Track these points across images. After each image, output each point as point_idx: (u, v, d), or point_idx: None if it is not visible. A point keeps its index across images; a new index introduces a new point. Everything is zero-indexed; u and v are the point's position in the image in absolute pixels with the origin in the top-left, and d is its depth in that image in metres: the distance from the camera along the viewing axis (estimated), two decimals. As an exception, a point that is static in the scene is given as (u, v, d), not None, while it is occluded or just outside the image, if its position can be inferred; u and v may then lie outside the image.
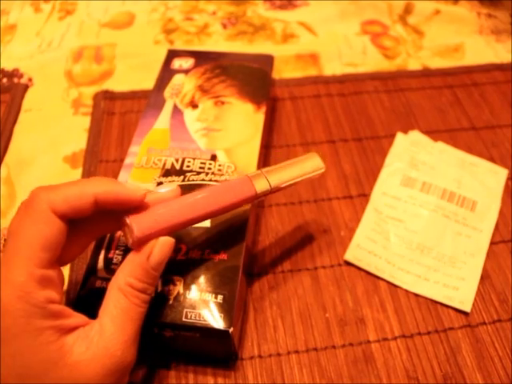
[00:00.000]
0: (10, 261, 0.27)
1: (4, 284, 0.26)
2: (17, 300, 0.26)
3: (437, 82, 0.58)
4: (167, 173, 0.41)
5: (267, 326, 0.39)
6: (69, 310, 0.28)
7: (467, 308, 0.40)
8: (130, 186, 0.31)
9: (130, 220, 0.30)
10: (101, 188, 0.30)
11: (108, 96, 0.56)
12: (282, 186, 0.36)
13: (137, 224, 0.30)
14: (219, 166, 0.41)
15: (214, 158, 0.42)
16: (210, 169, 0.41)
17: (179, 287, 0.35)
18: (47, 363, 0.26)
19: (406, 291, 0.41)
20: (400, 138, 0.51)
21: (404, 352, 0.38)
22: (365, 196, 0.47)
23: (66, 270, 0.42)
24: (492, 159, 0.50)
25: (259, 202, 0.46)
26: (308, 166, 0.38)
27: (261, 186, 0.35)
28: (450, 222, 0.44)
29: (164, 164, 0.41)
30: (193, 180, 0.40)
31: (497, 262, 0.43)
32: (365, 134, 0.52)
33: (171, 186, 0.33)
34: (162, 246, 0.31)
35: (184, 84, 0.48)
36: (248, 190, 0.35)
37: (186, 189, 0.39)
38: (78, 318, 0.29)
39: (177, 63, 0.50)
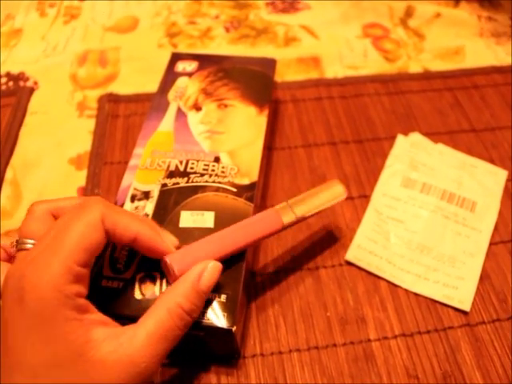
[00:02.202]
0: (55, 251, 0.28)
1: (45, 272, 0.27)
2: (52, 288, 0.27)
3: (437, 85, 0.58)
4: (171, 174, 0.41)
5: (269, 325, 0.40)
6: (92, 307, 0.29)
7: (467, 307, 0.41)
8: (168, 239, 0.34)
9: (170, 260, 0.33)
10: (143, 231, 0.32)
11: (112, 99, 0.56)
12: (307, 215, 0.39)
13: (177, 265, 0.33)
14: (222, 167, 0.42)
15: (217, 160, 0.42)
16: (213, 171, 0.42)
17: (183, 286, 0.36)
18: (73, 354, 0.27)
19: (406, 291, 0.42)
20: (400, 139, 0.52)
21: (404, 350, 0.39)
22: (365, 197, 0.48)
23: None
24: (492, 161, 0.51)
25: (262, 202, 0.46)
26: (330, 194, 0.40)
27: (288, 217, 0.38)
28: (450, 222, 0.45)
29: (168, 166, 0.42)
30: (196, 182, 0.41)
31: (496, 262, 0.44)
32: (366, 136, 0.53)
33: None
34: (213, 270, 0.32)
35: (187, 87, 0.49)
36: (276, 223, 0.37)
37: (191, 190, 0.40)
38: (100, 315, 0.30)
39: (180, 66, 0.51)
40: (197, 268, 0.32)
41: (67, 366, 0.27)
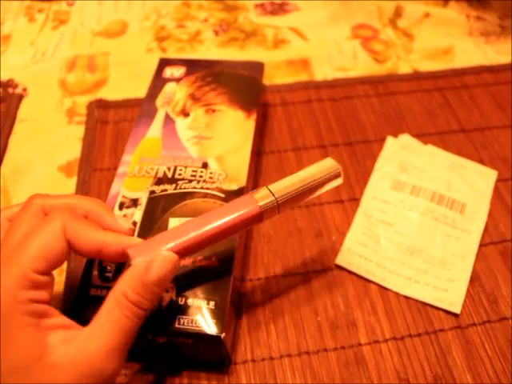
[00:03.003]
0: (12, 258, 0.28)
1: (1, 279, 0.27)
2: (6, 294, 0.27)
3: (427, 85, 0.58)
4: (159, 181, 0.41)
5: (260, 331, 0.40)
6: (54, 311, 0.29)
7: (457, 309, 0.41)
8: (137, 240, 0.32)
9: (131, 252, 0.31)
10: (110, 240, 0.31)
11: (101, 105, 0.56)
12: (290, 195, 0.34)
13: (133, 250, 0.31)
14: (210, 173, 0.42)
15: (205, 165, 0.42)
16: (201, 176, 0.42)
17: (172, 294, 0.35)
18: (29, 360, 0.27)
19: (397, 294, 0.42)
20: (390, 141, 0.52)
21: (395, 354, 0.39)
22: (355, 200, 0.48)
23: (61, 278, 0.42)
24: (481, 161, 0.51)
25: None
26: (319, 170, 0.36)
27: (265, 200, 0.34)
28: (440, 224, 0.45)
29: (156, 172, 0.42)
30: (185, 188, 0.41)
31: (486, 264, 0.44)
32: (355, 139, 0.53)
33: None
34: (163, 261, 0.30)
35: (175, 92, 0.49)
36: (251, 208, 0.33)
37: (179, 196, 0.40)
38: (61, 319, 0.29)
39: (168, 72, 0.51)
40: (145, 258, 0.30)
41: (22, 372, 0.27)
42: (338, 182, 0.36)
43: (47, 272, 0.29)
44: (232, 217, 0.33)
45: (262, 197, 0.34)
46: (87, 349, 0.28)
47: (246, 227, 0.34)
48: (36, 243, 0.29)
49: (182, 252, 0.32)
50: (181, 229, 0.33)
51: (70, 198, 0.33)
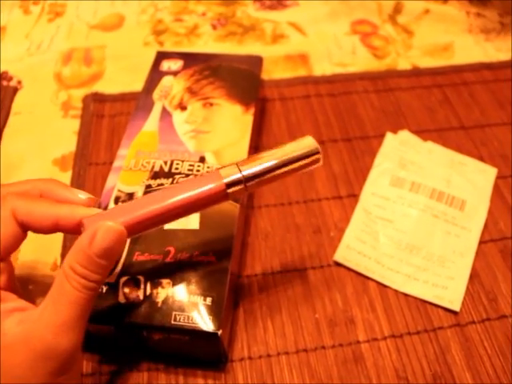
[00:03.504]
0: None
1: None
2: None
3: (426, 82, 0.58)
4: (156, 175, 0.41)
5: (257, 328, 0.39)
6: (10, 295, 0.29)
7: (456, 307, 0.40)
8: (95, 210, 0.31)
9: (86, 221, 0.30)
10: (64, 211, 0.31)
11: (97, 98, 0.55)
12: (259, 171, 0.32)
13: (90, 220, 0.30)
14: (208, 167, 0.41)
15: (202, 159, 0.42)
16: (198, 171, 0.41)
17: (168, 290, 0.35)
18: None
19: (396, 291, 0.41)
20: (389, 137, 0.51)
21: (394, 352, 0.38)
22: (354, 196, 0.47)
23: (55, 273, 0.42)
24: (481, 158, 0.50)
25: (249, 202, 0.46)
26: (296, 149, 0.33)
27: (230, 174, 0.31)
28: (439, 221, 0.44)
29: (152, 166, 0.41)
30: (181, 182, 0.40)
31: (486, 261, 0.43)
32: (354, 134, 0.52)
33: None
34: (106, 232, 0.28)
35: (173, 86, 0.48)
36: (215, 182, 0.31)
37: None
38: (18, 302, 0.29)
39: (165, 65, 0.50)
40: (89, 230, 0.29)
41: None
42: (317, 163, 0.33)
43: (1, 257, 0.29)
44: (194, 192, 0.31)
45: (229, 173, 0.31)
46: (39, 324, 0.27)
47: (210, 205, 0.32)
48: None
49: (138, 226, 0.30)
50: (140, 202, 0.31)
51: (23, 183, 0.33)
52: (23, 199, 0.30)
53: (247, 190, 0.32)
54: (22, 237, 0.31)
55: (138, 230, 0.31)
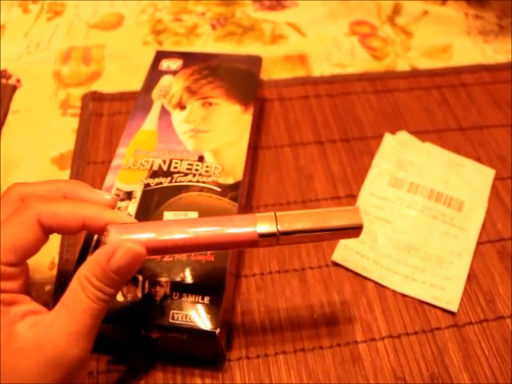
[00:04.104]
0: None
1: None
2: None
3: (425, 83, 0.58)
4: (154, 174, 0.41)
5: (255, 327, 0.39)
6: (24, 298, 0.29)
7: (454, 308, 0.40)
8: (121, 215, 0.32)
9: (110, 229, 0.30)
10: (91, 213, 0.31)
11: (96, 97, 0.55)
12: (295, 232, 0.31)
13: (115, 229, 0.30)
14: (207, 167, 0.41)
15: (201, 159, 0.42)
16: (197, 170, 0.41)
17: (166, 288, 0.35)
18: None
19: (394, 291, 0.41)
20: (388, 138, 0.51)
21: (391, 352, 0.38)
22: (352, 197, 0.47)
23: (53, 272, 0.42)
24: (479, 159, 0.50)
25: (247, 202, 0.46)
26: (340, 219, 0.31)
27: (265, 227, 0.30)
28: (437, 222, 0.44)
29: (151, 165, 0.41)
30: (180, 181, 0.40)
31: (483, 262, 0.43)
32: (353, 135, 0.52)
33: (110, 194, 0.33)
34: (126, 252, 0.29)
35: (172, 85, 0.48)
36: (249, 227, 0.30)
37: (174, 190, 0.40)
38: (32, 305, 0.29)
39: (165, 64, 0.50)
40: (109, 246, 0.29)
41: None
42: (355, 236, 0.32)
43: (17, 263, 0.29)
44: (224, 233, 0.30)
45: (265, 224, 0.31)
46: (52, 330, 0.27)
47: (237, 248, 0.32)
48: (5, 235, 0.29)
49: (160, 250, 0.31)
50: (169, 225, 0.31)
51: (45, 183, 0.33)
52: (47, 202, 0.30)
53: (278, 244, 0.31)
54: (44, 240, 0.31)
55: (159, 253, 0.32)
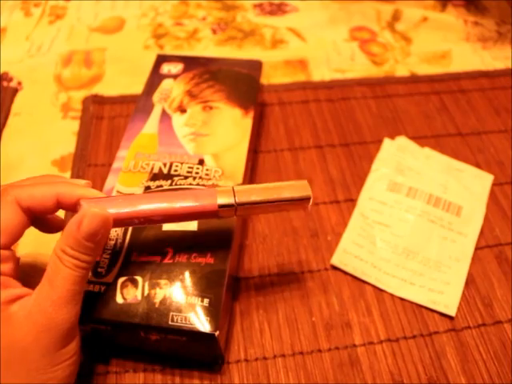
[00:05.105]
0: None
1: None
2: None
3: (424, 89, 0.58)
4: (155, 177, 0.41)
5: (254, 330, 0.39)
6: (16, 283, 0.31)
7: (452, 312, 0.40)
8: (93, 191, 0.34)
9: (83, 203, 0.32)
10: (63, 189, 0.33)
11: (97, 100, 0.56)
12: (251, 203, 0.34)
13: (86, 203, 0.32)
14: (207, 170, 0.41)
15: (201, 162, 0.42)
16: (197, 173, 0.41)
17: (165, 290, 0.35)
18: None
19: (392, 295, 0.42)
20: (387, 143, 0.51)
21: (389, 356, 0.38)
22: (352, 201, 0.47)
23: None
24: (478, 165, 0.51)
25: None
26: (292, 191, 0.35)
27: (225, 197, 0.34)
28: (436, 226, 0.45)
29: (152, 168, 0.42)
30: (180, 184, 0.40)
31: (481, 267, 0.43)
32: (352, 140, 0.52)
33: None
34: (92, 218, 0.31)
35: (173, 89, 0.48)
36: (210, 200, 0.34)
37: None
38: (23, 290, 0.31)
39: (166, 68, 0.51)
40: (77, 216, 0.31)
41: None
42: (305, 208, 0.35)
43: (6, 246, 0.31)
44: (187, 205, 0.33)
45: (224, 196, 0.34)
46: (39, 300, 0.29)
47: (199, 218, 0.35)
48: None
49: (127, 220, 0.33)
50: (136, 198, 0.34)
51: (21, 180, 0.35)
52: (23, 187, 0.33)
53: (235, 214, 0.34)
54: (27, 223, 0.33)
55: (126, 224, 0.34)
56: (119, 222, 0.33)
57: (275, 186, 0.35)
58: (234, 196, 0.34)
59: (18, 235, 0.32)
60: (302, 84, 0.58)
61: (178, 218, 0.34)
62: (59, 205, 0.33)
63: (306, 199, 0.35)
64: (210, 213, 0.34)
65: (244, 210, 0.34)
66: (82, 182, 0.35)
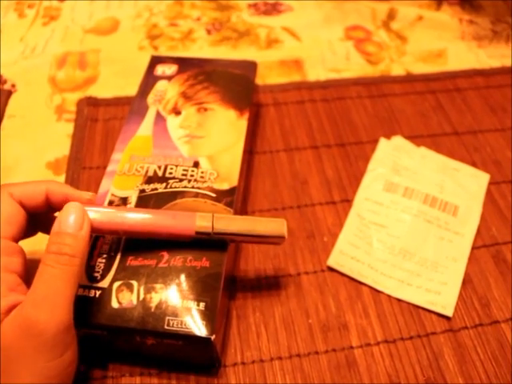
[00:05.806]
0: None
1: None
2: None
3: (420, 88, 0.58)
4: (149, 180, 0.41)
5: (250, 333, 0.39)
6: (23, 287, 0.32)
7: (449, 313, 0.40)
8: (79, 191, 0.36)
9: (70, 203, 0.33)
10: (52, 186, 0.35)
11: (91, 102, 0.55)
12: (226, 234, 0.36)
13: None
14: (202, 172, 0.41)
15: (196, 164, 0.42)
16: (192, 176, 0.41)
17: (161, 295, 0.35)
18: None
19: (389, 296, 0.41)
20: (383, 143, 0.51)
21: (387, 357, 0.38)
22: (348, 201, 0.47)
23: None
24: (474, 164, 0.51)
25: (242, 207, 0.46)
26: (267, 228, 0.37)
27: (202, 225, 0.36)
28: (433, 226, 0.45)
29: (146, 171, 0.41)
30: (175, 187, 0.40)
31: (478, 267, 0.43)
32: (348, 140, 0.52)
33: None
34: (67, 207, 0.32)
35: (167, 90, 0.48)
36: (189, 226, 0.36)
37: (169, 195, 0.40)
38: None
39: (160, 69, 0.50)
40: (59, 214, 0.32)
41: None
42: (278, 244, 0.38)
43: (17, 237, 0.33)
44: (166, 224, 0.35)
45: (203, 224, 0.36)
46: (23, 305, 0.29)
47: (174, 239, 0.36)
48: None
49: (106, 231, 0.35)
50: (120, 211, 0.35)
51: (28, 183, 0.36)
52: (16, 184, 0.35)
53: (211, 239, 0.36)
54: (25, 215, 0.34)
55: (105, 233, 0.36)
56: (97, 230, 0.34)
57: (254, 221, 0.37)
58: (213, 224, 0.36)
59: (21, 227, 0.34)
60: (298, 84, 0.58)
61: (156, 235, 0.36)
62: (48, 201, 0.35)
63: (281, 237, 0.37)
64: (186, 236, 0.36)
65: (219, 237, 0.36)
66: (89, 194, 0.36)
